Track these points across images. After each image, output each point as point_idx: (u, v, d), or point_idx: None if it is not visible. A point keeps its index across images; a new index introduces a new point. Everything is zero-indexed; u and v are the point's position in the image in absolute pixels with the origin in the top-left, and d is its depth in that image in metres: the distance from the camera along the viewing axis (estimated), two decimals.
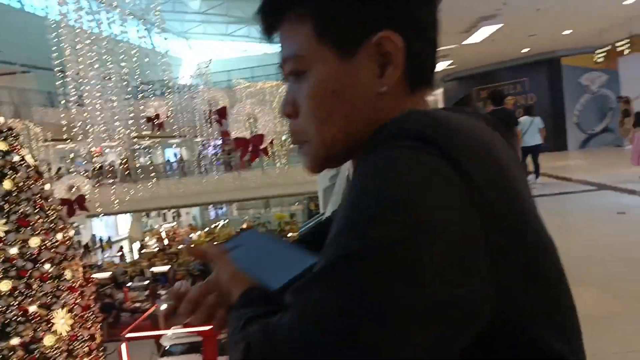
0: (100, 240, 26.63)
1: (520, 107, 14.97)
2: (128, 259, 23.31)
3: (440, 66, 16.15)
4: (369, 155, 0.54)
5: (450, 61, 15.65)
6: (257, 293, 0.62)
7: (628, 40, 12.07)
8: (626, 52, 12.27)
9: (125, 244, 26.74)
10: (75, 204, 11.93)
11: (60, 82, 9.26)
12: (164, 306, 13.10)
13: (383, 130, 0.57)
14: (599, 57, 13.79)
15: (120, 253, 24.08)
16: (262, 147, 13.16)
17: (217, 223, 29.46)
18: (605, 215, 6.37)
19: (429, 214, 0.48)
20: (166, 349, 10.71)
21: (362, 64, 0.62)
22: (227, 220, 30.25)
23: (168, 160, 26.92)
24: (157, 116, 14.97)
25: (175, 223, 29.58)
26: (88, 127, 9.71)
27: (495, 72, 17.60)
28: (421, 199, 0.48)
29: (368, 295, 0.45)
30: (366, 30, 0.62)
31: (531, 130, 9.71)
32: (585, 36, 13.35)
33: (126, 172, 20.21)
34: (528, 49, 15.20)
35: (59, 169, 19.89)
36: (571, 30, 12.79)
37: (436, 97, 23.75)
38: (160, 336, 11.26)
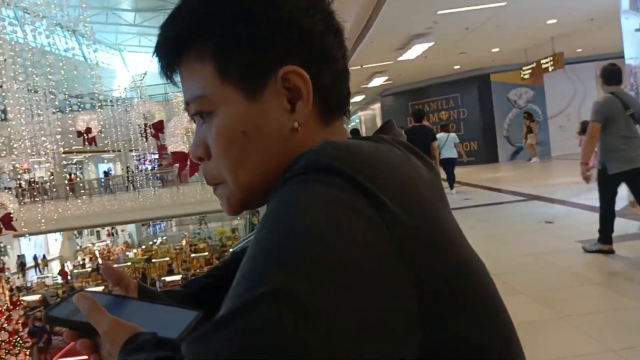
0: (35, 258, 25.26)
1: (439, 123, 15.83)
2: (59, 280, 22.18)
3: (378, 81, 16.56)
4: (278, 190, 0.52)
5: (387, 77, 16.08)
6: (146, 338, 0.56)
7: (551, 57, 12.84)
8: (550, 68, 13.04)
9: (56, 265, 25.44)
10: (1, 223, 11.24)
11: None
12: None
13: (294, 164, 0.54)
14: (526, 74, 14.58)
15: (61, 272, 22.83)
16: None
17: (155, 240, 28.60)
18: (534, 225, 6.68)
19: (340, 254, 0.45)
20: None
21: (270, 101, 0.60)
22: (165, 237, 29.44)
23: (104, 173, 25.94)
24: (89, 130, 14.41)
25: (109, 241, 28.46)
26: (12, 142, 9.20)
27: (429, 88, 18.27)
28: (332, 238, 0.45)
29: (268, 346, 0.41)
30: (270, 67, 0.60)
31: (447, 144, 10.94)
32: (512, 54, 14.10)
33: (54, 189, 19.28)
34: (459, 66, 15.88)
35: None
36: (499, 49, 13.49)
37: (374, 112, 24.32)
38: None
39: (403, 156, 0.59)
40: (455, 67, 16.12)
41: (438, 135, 10.57)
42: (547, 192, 8.84)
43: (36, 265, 25.20)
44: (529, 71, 14.30)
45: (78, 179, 22.88)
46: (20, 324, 7.03)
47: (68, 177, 23.44)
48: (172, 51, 0.63)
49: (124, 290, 0.75)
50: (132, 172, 22.76)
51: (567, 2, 9.35)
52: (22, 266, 24.22)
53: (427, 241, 0.51)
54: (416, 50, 11.51)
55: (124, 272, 0.76)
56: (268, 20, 0.60)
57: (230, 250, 21.47)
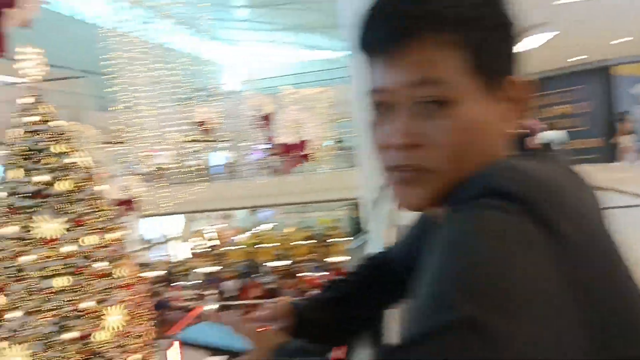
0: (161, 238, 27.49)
1: (553, 119, 14.60)
2: (178, 258, 23.94)
3: None
4: (458, 214, 0.53)
5: None
6: (295, 345, 0.63)
7: None
8: None
9: (175, 244, 27.46)
10: (129, 204, 12.37)
11: (116, 87, 9.68)
12: (211, 306, 13.41)
13: (471, 185, 0.56)
14: None
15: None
16: (306, 152, 13.29)
17: (262, 226, 29.81)
18: None
19: (525, 286, 0.46)
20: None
21: (501, 104, 0.63)
22: (272, 224, 30.55)
23: (216, 165, 27.52)
24: (205, 121, 15.40)
25: (223, 225, 30.13)
26: (139, 131, 10.11)
27: (546, 81, 17.14)
28: (516, 270, 0.46)
29: None
30: (511, 72, 0.63)
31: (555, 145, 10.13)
32: (636, 44, 12.83)
33: (176, 175, 20.78)
34: (580, 57, 14.73)
35: (112, 170, 20.64)
36: (626, 39, 12.34)
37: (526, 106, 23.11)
38: None
39: (572, 179, 0.60)
40: (575, 59, 14.95)
41: (545, 134, 9.65)
42: None
43: (158, 244, 27.37)
44: None
45: (197, 167, 24.42)
46: (143, 297, 7.62)
47: (188, 164, 25.13)
48: (413, 31, 0.60)
49: (279, 322, 0.79)
50: (243, 161, 23.83)
51: None
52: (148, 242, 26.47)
53: (599, 274, 0.51)
54: (533, 42, 10.86)
55: (274, 312, 0.81)
56: (515, 30, 0.64)
57: (333, 240, 21.85)
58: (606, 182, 9.28)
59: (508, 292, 0.45)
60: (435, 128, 0.61)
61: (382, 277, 0.93)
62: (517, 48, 0.64)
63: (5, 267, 6.26)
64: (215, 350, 0.69)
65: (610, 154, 15.54)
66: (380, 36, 0.62)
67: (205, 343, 0.70)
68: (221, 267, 19.78)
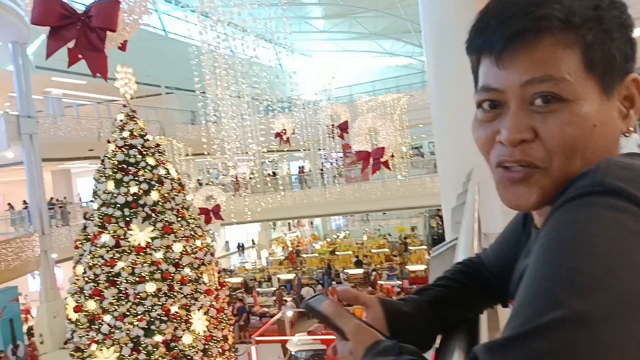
0: (239, 245, 28.48)
1: None
2: (257, 265, 24.61)
3: None
4: (562, 211, 0.52)
5: None
6: (388, 344, 0.64)
7: None
8: None
9: (253, 252, 28.25)
10: (212, 213, 12.90)
11: (201, 102, 10.17)
12: (289, 312, 13.64)
13: (581, 181, 0.54)
14: None
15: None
16: (383, 159, 13.22)
17: (339, 234, 29.97)
18: None
19: (633, 286, 0.44)
20: (292, 353, 11.11)
21: (615, 103, 0.63)
22: (348, 231, 30.64)
23: (295, 173, 28.08)
24: (284, 131, 15.77)
25: (298, 232, 30.63)
26: (224, 143, 10.52)
27: None
28: (625, 269, 0.45)
29: None
30: (625, 72, 0.64)
31: (628, 148, 8.92)
32: None
33: (257, 184, 21.44)
34: None
35: (198, 180, 21.66)
36: None
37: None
38: (286, 341, 11.73)
39: None
40: None
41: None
42: None
43: (240, 250, 28.31)
44: None
45: (276, 176, 25.03)
46: (225, 303, 7.83)
47: (268, 174, 25.85)
48: (532, 32, 0.61)
49: (365, 307, 0.81)
50: (320, 169, 24.12)
51: None
52: (241, 247, 27.47)
53: None
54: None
55: (359, 293, 0.81)
56: (632, 30, 0.65)
57: (410, 248, 21.53)
58: None
59: (616, 291, 0.44)
60: (550, 122, 0.61)
61: (473, 283, 0.93)
62: (634, 47, 0.64)
63: (100, 273, 6.69)
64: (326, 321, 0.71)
65: None
66: (499, 36, 0.63)
67: (322, 314, 0.72)
68: (299, 274, 20.08)
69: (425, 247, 22.29)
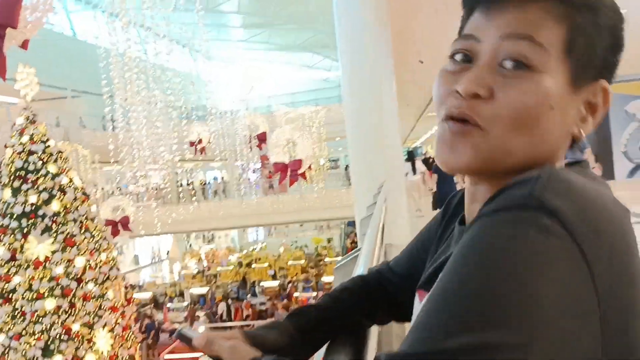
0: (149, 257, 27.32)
1: None
2: (168, 280, 23.74)
3: None
4: (495, 221, 0.49)
5: None
6: (269, 358, 0.64)
7: None
8: None
9: (165, 265, 27.28)
10: (120, 225, 12.28)
11: (108, 107, 9.69)
12: (202, 328, 13.23)
13: (517, 190, 0.50)
14: None
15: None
16: (300, 171, 13.28)
17: (255, 246, 29.71)
18: None
19: (550, 313, 0.43)
20: None
21: (578, 100, 0.61)
22: (265, 243, 30.46)
23: (208, 183, 27.48)
24: (200, 140, 15.41)
25: (214, 245, 30.00)
26: (134, 150, 10.09)
27: None
28: (546, 297, 0.43)
29: None
30: (601, 73, 0.62)
31: None
32: (631, 63, 13.03)
33: (170, 194, 20.75)
34: None
35: (104, 190, 20.58)
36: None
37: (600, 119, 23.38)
38: (198, 358, 11.36)
39: (616, 202, 0.55)
40: None
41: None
42: None
43: (149, 264, 27.19)
44: None
45: (190, 186, 24.38)
46: (132, 320, 7.52)
47: (182, 184, 25.10)
48: None
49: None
50: (237, 179, 23.86)
51: None
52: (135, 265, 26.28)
53: (625, 307, 0.48)
54: None
55: (215, 339, 0.73)
56: (621, 42, 0.63)
57: (326, 259, 21.77)
58: None
59: (530, 319, 0.42)
60: (510, 87, 0.58)
61: (357, 301, 0.88)
62: (616, 59, 0.63)
63: None
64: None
65: (605, 172, 15.71)
66: None
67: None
68: (212, 288, 19.60)
69: (340, 257, 22.64)
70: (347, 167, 23.74)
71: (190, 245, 29.83)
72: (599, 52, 0.61)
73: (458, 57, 0.63)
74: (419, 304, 0.75)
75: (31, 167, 6.67)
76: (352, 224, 25.63)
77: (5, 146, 6.86)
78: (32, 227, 6.50)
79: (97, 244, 7.04)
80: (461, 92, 0.60)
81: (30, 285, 6.28)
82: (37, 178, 6.66)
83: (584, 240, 0.46)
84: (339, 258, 22.38)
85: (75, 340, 6.32)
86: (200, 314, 15.78)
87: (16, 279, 6.23)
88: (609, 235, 0.48)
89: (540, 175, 0.51)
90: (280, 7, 28.56)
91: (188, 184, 25.25)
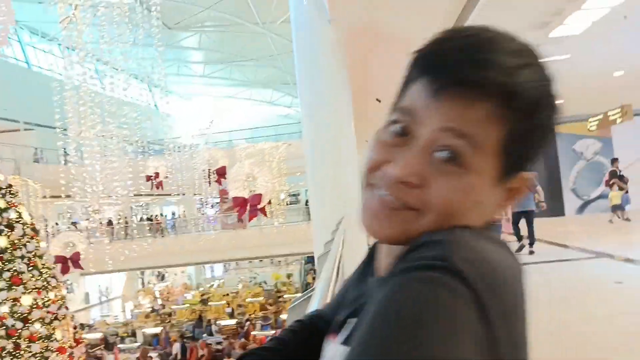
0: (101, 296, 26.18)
1: None
2: (120, 319, 22.80)
3: None
4: (405, 282, 0.51)
5: None
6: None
7: (619, 109, 12.43)
8: (618, 120, 12.60)
9: (118, 303, 26.23)
10: (70, 262, 11.81)
11: (61, 141, 9.45)
12: None
13: (428, 250, 0.53)
14: (592, 125, 14.13)
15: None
16: (260, 206, 13.20)
17: (213, 282, 29.02)
18: (603, 285, 6.33)
19: None
20: None
21: (500, 191, 0.64)
22: (223, 280, 29.82)
23: (166, 216, 26.89)
24: (157, 175, 15.17)
25: (169, 282, 29.14)
26: (87, 185, 9.83)
27: None
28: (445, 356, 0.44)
29: None
30: (528, 166, 0.65)
31: None
32: (577, 105, 13.75)
33: (124, 230, 20.18)
34: None
35: (56, 225, 19.83)
36: (563, 100, 13.15)
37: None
38: None
39: (516, 266, 0.58)
40: None
41: None
42: (616, 250, 8.36)
43: (99, 302, 26.06)
44: (596, 123, 13.84)
45: (146, 221, 23.77)
46: None
47: (137, 219, 24.45)
48: (486, 88, 0.59)
49: None
50: (194, 215, 23.47)
51: (633, 55, 9.10)
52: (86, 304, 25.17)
53: None
54: None
55: None
56: (552, 137, 0.66)
57: (285, 296, 21.45)
58: (550, 236, 9.56)
59: None
60: (442, 181, 0.60)
61: (303, 344, 0.89)
62: (541, 153, 0.66)
63: None
64: None
65: (555, 208, 16.29)
66: (453, 72, 0.60)
67: None
68: (167, 327, 18.93)
69: (300, 294, 22.34)
70: (306, 202, 23.79)
71: (144, 283, 28.89)
72: (530, 150, 0.64)
73: (395, 128, 0.64)
74: (329, 345, 0.76)
75: None
76: (311, 259, 25.51)
77: None
78: None
79: (45, 282, 6.74)
80: (395, 178, 0.61)
81: None
82: None
83: (485, 300, 0.48)
84: (299, 294, 22.13)
85: None
86: (153, 354, 15.17)
87: None
88: (504, 295, 0.51)
89: (449, 240, 0.54)
90: (241, 45, 28.88)
91: (143, 219, 24.67)
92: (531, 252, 8.99)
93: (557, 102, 0.66)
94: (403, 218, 0.61)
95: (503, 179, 0.62)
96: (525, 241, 9.27)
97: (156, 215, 26.64)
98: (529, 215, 9.38)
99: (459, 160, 0.59)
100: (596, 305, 5.47)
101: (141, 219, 24.64)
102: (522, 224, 9.41)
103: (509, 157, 0.61)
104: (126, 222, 20.98)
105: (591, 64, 9.43)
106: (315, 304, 1.15)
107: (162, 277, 30.14)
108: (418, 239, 0.56)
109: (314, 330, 0.92)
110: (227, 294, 23.38)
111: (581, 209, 16.50)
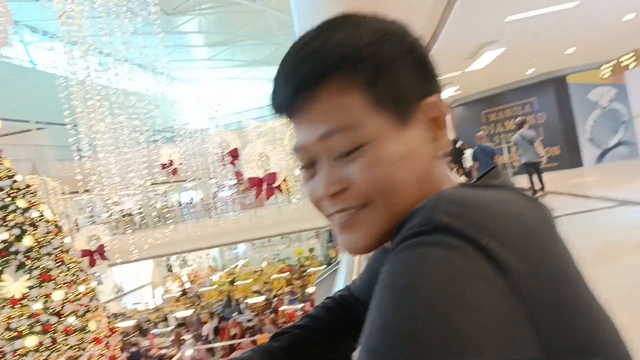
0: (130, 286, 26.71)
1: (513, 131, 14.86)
2: (151, 305, 23.30)
3: (448, 92, 16.26)
4: (399, 253, 0.50)
5: (457, 87, 15.76)
6: None
7: (632, 54, 12.09)
8: (631, 65, 12.27)
9: (147, 290, 26.78)
10: (96, 254, 12.05)
11: (73, 137, 9.53)
12: (189, 351, 13.03)
13: (411, 220, 0.52)
14: (605, 73, 13.80)
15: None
16: (275, 184, 13.25)
17: (237, 263, 29.40)
18: (628, 233, 6.25)
19: (470, 330, 0.43)
20: None
21: (417, 130, 0.62)
22: (247, 259, 30.19)
23: (183, 203, 27.17)
24: (171, 162, 15.27)
25: (194, 266, 29.60)
26: (103, 178, 9.94)
27: (502, 95, 17.67)
28: (458, 312, 0.43)
29: None
30: (419, 96, 0.63)
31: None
32: (589, 53, 13.41)
33: (145, 219, 20.45)
34: (533, 70, 15.28)
35: (77, 220, 20.16)
36: (574, 48, 12.86)
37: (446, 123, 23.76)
38: None
39: (522, 203, 0.56)
40: (529, 72, 15.53)
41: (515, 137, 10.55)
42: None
43: (129, 291, 26.61)
44: (609, 69, 13.51)
45: (165, 209, 24.05)
46: (118, 350, 7.38)
47: (156, 207, 24.74)
48: (309, 85, 0.61)
49: None
50: (212, 199, 23.67)
51: None
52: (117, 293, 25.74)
53: (556, 302, 0.48)
54: (486, 59, 11.23)
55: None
56: (422, 53, 0.65)
57: (310, 270, 21.68)
58: (569, 188, 9.45)
59: (451, 338, 0.42)
60: (356, 169, 0.61)
61: (337, 321, 0.90)
62: (426, 66, 0.65)
63: None
64: None
65: (572, 160, 16.09)
66: (285, 97, 0.64)
67: None
68: (197, 310, 19.32)
69: (324, 267, 22.57)
70: None
71: (171, 269, 29.39)
72: (404, 80, 0.62)
73: (302, 166, 0.68)
74: None
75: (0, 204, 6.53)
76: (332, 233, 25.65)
77: None
78: (6, 265, 6.34)
79: (74, 276, 6.90)
80: (324, 196, 0.64)
81: (9, 324, 6.11)
82: (7, 214, 6.51)
83: (486, 245, 0.47)
84: (323, 267, 22.35)
85: None
86: (187, 336, 15.53)
87: None
88: (513, 236, 0.49)
89: (427, 202, 0.53)
90: (240, 25, 28.59)
91: (164, 207, 24.94)
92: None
93: (392, 32, 0.63)
94: (362, 219, 0.63)
95: (405, 120, 0.62)
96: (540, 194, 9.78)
97: (172, 205, 26.91)
98: (536, 166, 10.15)
99: (352, 146, 0.60)
100: (624, 253, 5.42)
101: (164, 207, 24.90)
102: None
103: (390, 103, 0.61)
104: (143, 213, 21.24)
105: (600, 9, 9.15)
106: (341, 278, 1.16)
107: (185, 262, 30.60)
108: (407, 216, 0.55)
109: (346, 305, 0.94)
110: (255, 271, 23.69)
111: (600, 157, 16.25)
